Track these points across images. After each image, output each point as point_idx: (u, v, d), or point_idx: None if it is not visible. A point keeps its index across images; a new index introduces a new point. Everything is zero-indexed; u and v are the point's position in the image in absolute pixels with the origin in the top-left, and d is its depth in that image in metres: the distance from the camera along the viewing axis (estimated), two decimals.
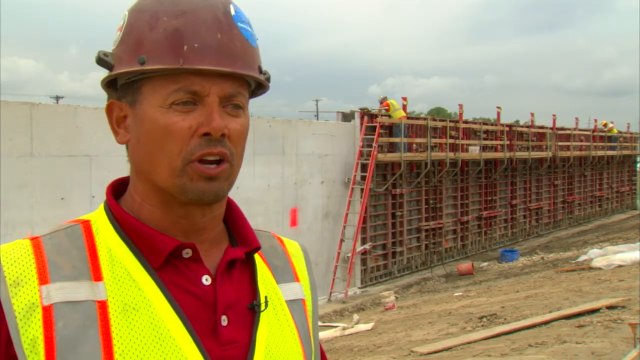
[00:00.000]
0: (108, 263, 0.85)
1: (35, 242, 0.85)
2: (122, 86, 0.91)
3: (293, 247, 1.09)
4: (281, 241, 1.09)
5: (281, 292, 0.99)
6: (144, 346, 0.81)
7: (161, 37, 0.86)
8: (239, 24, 0.90)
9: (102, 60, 0.91)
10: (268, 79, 0.98)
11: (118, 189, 0.96)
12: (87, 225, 0.90)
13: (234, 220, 0.99)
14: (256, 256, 0.99)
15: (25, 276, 0.81)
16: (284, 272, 1.03)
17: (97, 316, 0.81)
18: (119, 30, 0.91)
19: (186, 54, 0.85)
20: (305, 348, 0.98)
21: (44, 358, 0.78)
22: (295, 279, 1.04)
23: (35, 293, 0.80)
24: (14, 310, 0.79)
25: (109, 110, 0.94)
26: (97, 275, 0.84)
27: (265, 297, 0.94)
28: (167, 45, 0.85)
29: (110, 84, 0.94)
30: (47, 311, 0.79)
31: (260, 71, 0.94)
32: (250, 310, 0.92)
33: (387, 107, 14.89)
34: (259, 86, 0.98)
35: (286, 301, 0.99)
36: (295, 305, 1.01)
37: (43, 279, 0.81)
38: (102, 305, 0.82)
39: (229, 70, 0.86)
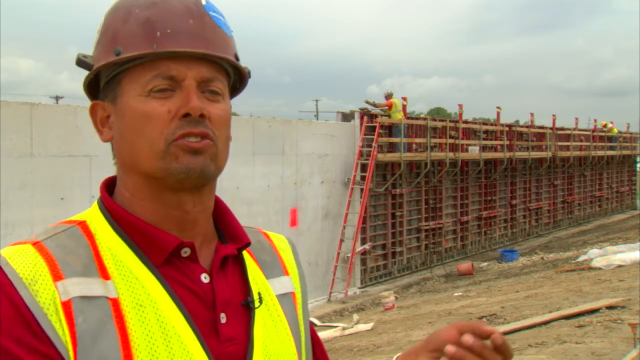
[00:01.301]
0: (112, 262, 0.86)
1: (38, 245, 0.84)
2: (104, 86, 0.92)
3: (280, 241, 1.10)
4: (267, 236, 1.09)
5: (271, 287, 1.00)
6: (155, 342, 0.82)
7: (134, 27, 0.88)
8: (211, 13, 0.91)
9: (81, 62, 0.93)
10: (248, 73, 0.98)
11: (108, 187, 0.96)
12: (84, 226, 0.89)
13: (221, 216, 0.99)
14: (245, 252, 0.99)
15: (39, 274, 0.80)
16: (273, 267, 1.04)
17: (112, 313, 0.81)
18: (97, 33, 0.93)
19: (159, 40, 0.86)
20: (296, 341, 0.99)
21: (72, 353, 0.78)
22: (284, 272, 1.05)
23: (52, 290, 0.79)
24: (42, 308, 0.78)
25: (93, 111, 0.95)
26: (105, 274, 0.84)
27: (259, 294, 0.95)
28: (140, 33, 0.87)
29: (92, 89, 0.95)
30: (66, 306, 0.79)
31: (237, 59, 0.94)
32: (244, 307, 0.93)
33: (389, 105, 14.87)
34: (239, 81, 0.99)
35: (276, 296, 1.00)
36: (285, 299, 1.01)
37: (57, 276, 0.81)
38: (115, 303, 0.82)
39: (203, 52, 0.87)
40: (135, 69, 0.88)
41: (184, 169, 0.86)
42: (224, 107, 0.91)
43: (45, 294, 0.79)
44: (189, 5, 0.89)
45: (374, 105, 15.06)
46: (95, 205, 0.93)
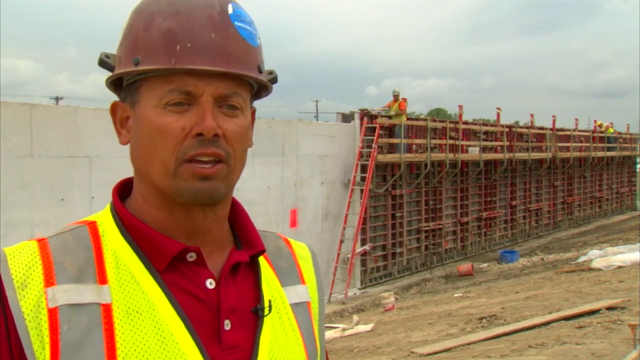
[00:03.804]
0: (113, 266, 0.85)
1: (42, 243, 0.84)
2: (125, 88, 0.91)
3: (301, 249, 1.08)
4: (288, 242, 1.07)
5: (286, 295, 0.98)
6: (148, 349, 0.80)
7: (155, 37, 0.85)
8: (236, 23, 0.88)
9: (103, 62, 0.91)
10: (274, 79, 0.96)
11: (124, 189, 0.95)
12: (93, 226, 0.89)
13: (238, 221, 0.98)
14: (261, 258, 0.98)
15: (32, 278, 0.80)
16: (290, 275, 1.01)
17: (102, 320, 0.80)
18: (122, 31, 0.92)
19: (178, 54, 0.84)
20: (309, 352, 0.96)
21: None
22: (301, 281, 1.02)
23: (41, 295, 0.79)
24: (23, 312, 0.78)
25: (113, 110, 0.94)
26: (102, 278, 0.83)
27: (270, 302, 0.93)
28: (160, 45, 0.85)
29: (116, 85, 0.94)
30: (52, 314, 0.79)
31: (260, 70, 0.92)
32: (254, 314, 0.91)
33: (403, 109, 14.86)
34: (263, 87, 0.96)
35: (291, 304, 0.98)
36: (299, 308, 0.99)
37: (49, 281, 0.81)
38: (107, 309, 0.81)
39: (222, 70, 0.85)
40: (153, 79, 0.86)
41: (193, 192, 0.86)
42: (241, 123, 0.89)
43: (31, 300, 0.79)
44: (214, 16, 0.86)
45: (385, 111, 15.03)
46: (108, 207, 0.93)
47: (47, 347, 0.77)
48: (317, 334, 1.01)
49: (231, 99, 0.88)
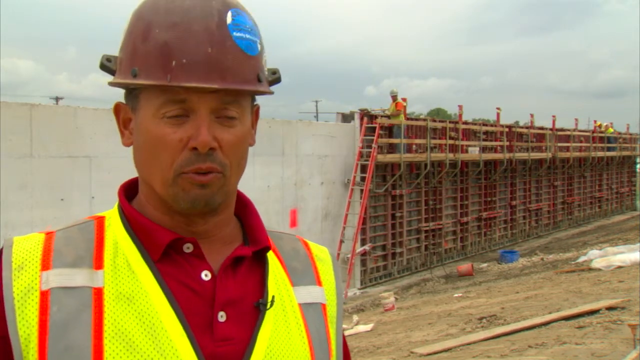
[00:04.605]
0: (112, 254, 0.88)
1: (49, 235, 0.89)
2: (127, 91, 0.93)
3: (320, 251, 1.09)
4: (306, 244, 1.08)
5: (295, 294, 0.98)
6: (135, 334, 0.82)
7: (152, 50, 0.86)
8: (235, 34, 0.87)
9: (104, 66, 0.93)
10: (277, 79, 0.97)
11: (132, 188, 0.98)
12: (100, 220, 0.93)
13: (247, 219, 1.00)
14: (273, 257, 0.99)
15: (29, 262, 0.85)
16: (304, 275, 1.02)
17: (92, 302, 0.83)
18: (123, 34, 0.93)
19: (174, 70, 0.84)
20: (317, 354, 0.95)
21: (37, 340, 0.81)
22: (317, 282, 1.03)
23: (35, 278, 0.84)
24: (14, 292, 0.83)
25: (116, 111, 0.96)
26: (98, 264, 0.87)
27: (273, 297, 0.93)
28: (156, 59, 0.86)
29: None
30: (44, 295, 0.83)
31: (260, 79, 0.91)
32: (256, 308, 0.92)
33: (401, 108, 14.87)
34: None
35: (301, 304, 0.97)
36: (311, 308, 0.99)
37: (45, 266, 0.85)
38: (98, 292, 0.84)
39: (217, 87, 0.85)
40: (151, 89, 0.87)
41: (190, 200, 0.88)
42: (238, 132, 0.90)
43: (24, 281, 0.84)
44: (211, 28, 0.86)
45: (383, 112, 15.04)
46: (116, 204, 0.97)
47: (36, 327, 0.81)
48: (332, 338, 1.00)
49: (229, 107, 0.89)
